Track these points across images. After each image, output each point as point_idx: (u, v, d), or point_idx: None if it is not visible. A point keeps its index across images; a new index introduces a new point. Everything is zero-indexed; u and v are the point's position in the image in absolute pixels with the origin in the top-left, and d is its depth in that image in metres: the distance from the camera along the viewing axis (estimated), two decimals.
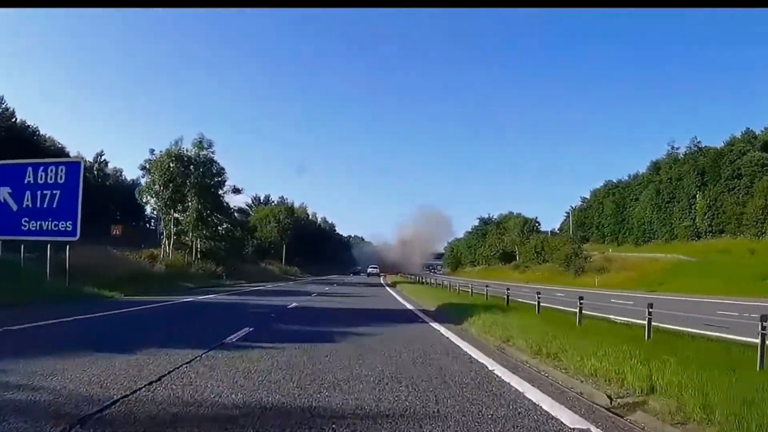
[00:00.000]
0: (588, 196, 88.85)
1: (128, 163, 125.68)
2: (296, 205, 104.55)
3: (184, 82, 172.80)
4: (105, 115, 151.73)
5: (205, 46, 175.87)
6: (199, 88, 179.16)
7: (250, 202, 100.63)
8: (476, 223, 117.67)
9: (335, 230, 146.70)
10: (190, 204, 41.57)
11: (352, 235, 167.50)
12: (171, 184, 39.15)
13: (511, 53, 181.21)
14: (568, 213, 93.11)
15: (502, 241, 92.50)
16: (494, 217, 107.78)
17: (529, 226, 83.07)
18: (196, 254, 43.45)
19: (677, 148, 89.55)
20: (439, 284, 33.14)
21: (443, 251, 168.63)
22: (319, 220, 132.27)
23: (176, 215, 40.75)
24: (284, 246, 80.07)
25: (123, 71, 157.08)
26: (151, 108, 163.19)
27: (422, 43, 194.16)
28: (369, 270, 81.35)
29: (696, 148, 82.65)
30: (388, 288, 34.61)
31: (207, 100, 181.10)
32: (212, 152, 43.31)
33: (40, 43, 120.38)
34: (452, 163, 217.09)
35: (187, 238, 42.30)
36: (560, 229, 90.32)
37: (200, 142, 43.15)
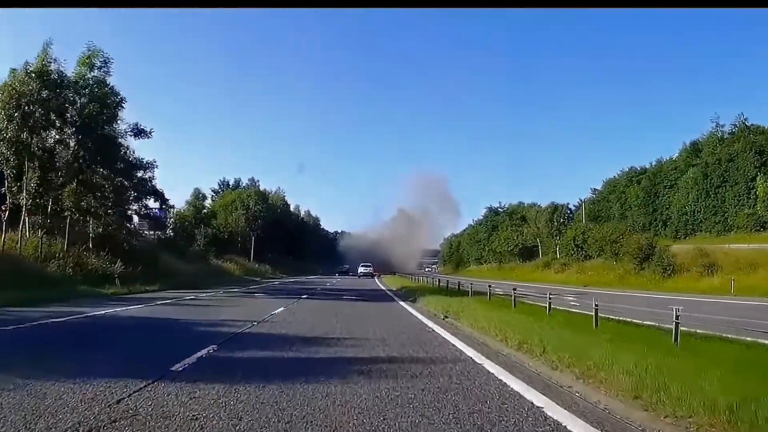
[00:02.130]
0: (600, 188, 75.87)
1: None
2: (272, 191, 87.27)
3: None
4: None
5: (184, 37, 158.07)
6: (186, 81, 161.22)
7: (217, 187, 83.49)
8: (480, 216, 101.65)
9: (320, 225, 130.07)
10: (61, 157, 24.59)
11: (339, 231, 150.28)
12: (17, 113, 22.25)
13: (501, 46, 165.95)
14: (577, 205, 79.41)
15: (521, 233, 76.38)
16: (505, 206, 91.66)
17: (561, 214, 67.01)
18: (82, 242, 26.51)
19: (722, 126, 76.03)
20: (477, 291, 17.61)
21: (439, 248, 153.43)
22: (302, 213, 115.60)
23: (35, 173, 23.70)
24: (252, 239, 63.17)
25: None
26: None
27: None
28: (361, 270, 64.89)
29: (743, 125, 69.40)
30: (406, 306, 17.70)
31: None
32: (107, 73, 26.41)
33: None
34: (448, 156, 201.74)
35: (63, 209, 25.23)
36: None
37: (89, 56, 26.18)
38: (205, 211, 60.01)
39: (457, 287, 22.40)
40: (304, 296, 21.12)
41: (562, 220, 66.39)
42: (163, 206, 32.26)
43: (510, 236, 76.34)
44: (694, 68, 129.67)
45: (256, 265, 59.31)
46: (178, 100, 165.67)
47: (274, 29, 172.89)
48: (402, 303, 18.35)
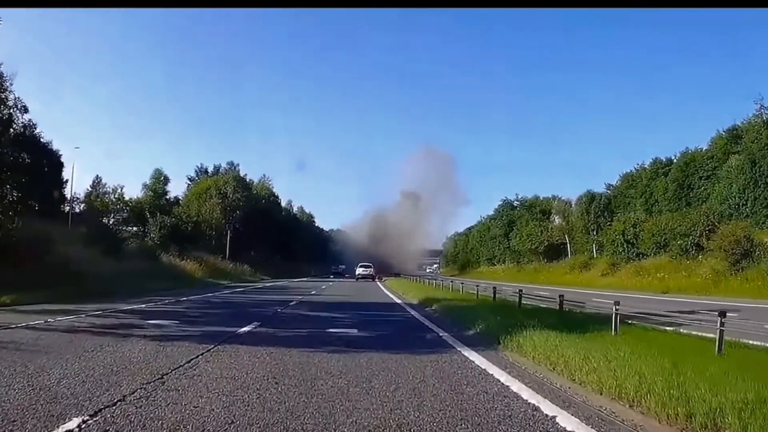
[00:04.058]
0: (615, 182, 65.23)
1: None
2: (255, 180, 76.20)
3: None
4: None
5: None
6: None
7: (194, 174, 72.15)
8: (491, 212, 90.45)
9: (314, 222, 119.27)
10: None
11: (335, 229, 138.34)
12: None
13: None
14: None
15: (546, 229, 65.62)
16: (521, 198, 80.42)
17: (600, 204, 56.10)
18: None
19: (767, 109, 66.01)
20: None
21: (442, 248, 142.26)
22: (295, 209, 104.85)
23: None
24: (228, 233, 52.07)
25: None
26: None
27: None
28: (359, 271, 53.95)
29: None
30: (503, 376, 6.35)
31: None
32: None
33: None
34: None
35: None
36: None
37: None
38: (167, 197, 48.83)
39: (559, 305, 11.51)
40: (249, 327, 10.04)
41: (601, 210, 55.47)
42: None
43: (533, 232, 65.49)
44: (696, 63, 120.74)
45: (231, 265, 48.16)
46: (175, 101, 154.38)
47: (267, 28, 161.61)
48: (475, 357, 7.27)
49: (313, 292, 25.00)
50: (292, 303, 17.00)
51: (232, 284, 34.50)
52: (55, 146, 32.44)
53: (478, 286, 18.77)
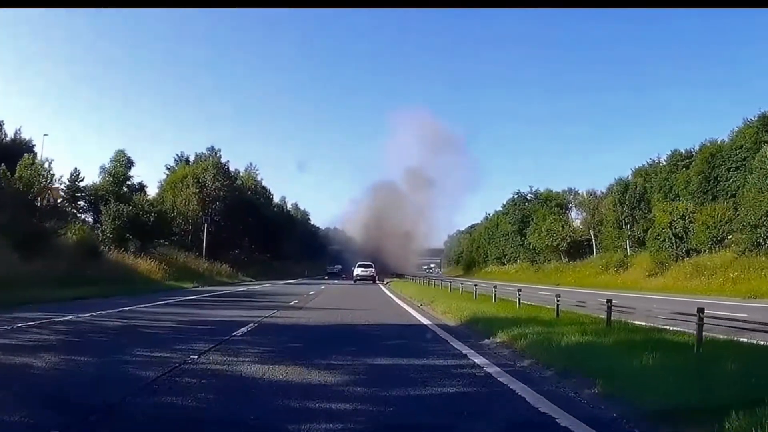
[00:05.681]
0: (627, 177, 57.98)
1: None
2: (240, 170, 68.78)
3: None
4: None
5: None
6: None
7: (173, 164, 64.48)
8: (497, 207, 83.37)
9: (309, 220, 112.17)
10: None
11: (332, 228, 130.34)
12: None
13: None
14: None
15: (567, 224, 58.47)
16: (534, 190, 73.09)
17: (635, 193, 48.77)
18: None
19: None
20: None
21: (443, 246, 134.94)
22: (289, 205, 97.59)
23: None
24: (205, 227, 44.53)
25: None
26: None
27: None
28: (358, 271, 46.38)
29: None
30: None
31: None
32: None
33: None
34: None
35: None
36: None
37: None
38: (129, 182, 41.31)
39: None
40: None
41: (637, 200, 48.29)
42: None
43: (553, 227, 58.19)
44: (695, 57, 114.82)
45: (206, 264, 40.71)
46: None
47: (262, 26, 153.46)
48: None
49: (293, 302, 17.55)
50: (240, 332, 9.25)
51: (196, 289, 27.10)
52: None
53: (558, 296, 11.36)
